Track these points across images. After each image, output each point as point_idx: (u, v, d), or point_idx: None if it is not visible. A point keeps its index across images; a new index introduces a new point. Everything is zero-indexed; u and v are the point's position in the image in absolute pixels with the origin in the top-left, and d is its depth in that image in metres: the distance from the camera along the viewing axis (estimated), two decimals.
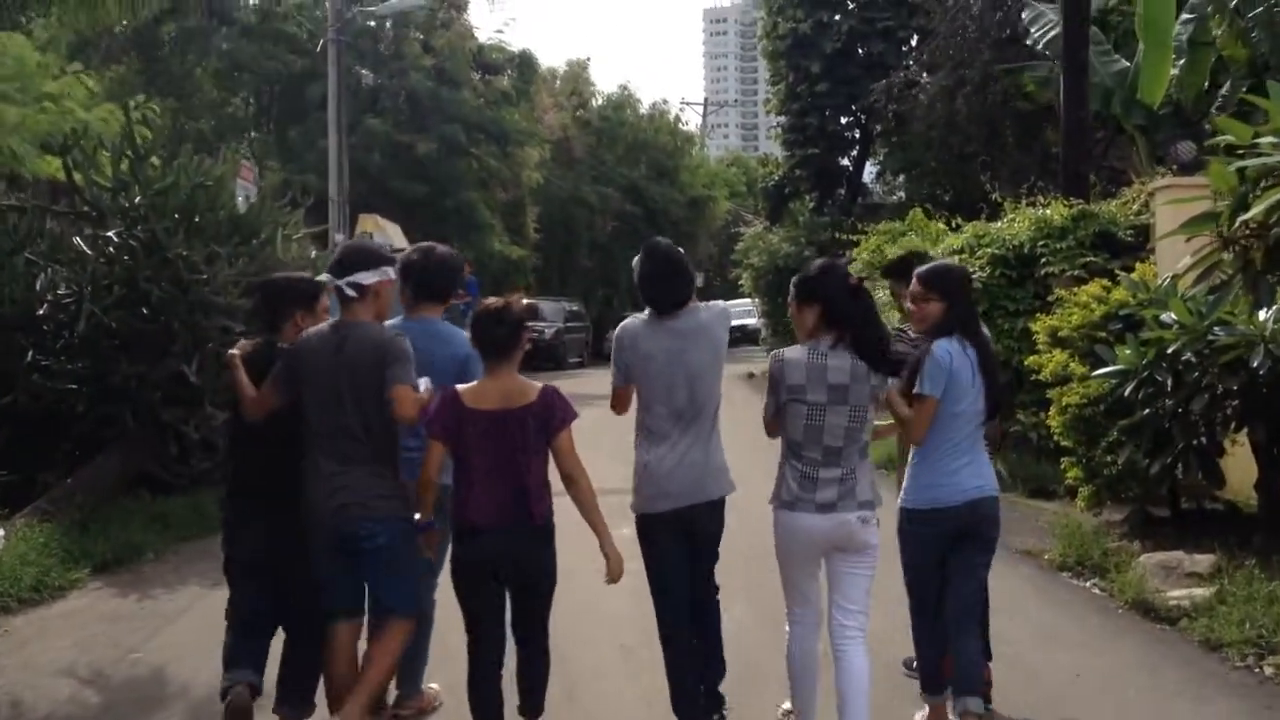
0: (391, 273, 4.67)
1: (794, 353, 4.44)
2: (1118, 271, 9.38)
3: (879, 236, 18.20)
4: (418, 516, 4.47)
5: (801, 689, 4.53)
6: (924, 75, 23.25)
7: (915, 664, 5.34)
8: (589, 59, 37.29)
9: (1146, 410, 7.55)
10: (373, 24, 24.85)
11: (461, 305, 15.83)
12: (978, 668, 4.78)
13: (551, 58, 75.87)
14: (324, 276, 4.61)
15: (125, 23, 23.04)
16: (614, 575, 4.45)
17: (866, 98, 25.27)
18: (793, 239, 28.93)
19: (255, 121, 25.15)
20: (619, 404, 4.82)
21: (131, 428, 9.67)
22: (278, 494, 4.58)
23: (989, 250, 11.90)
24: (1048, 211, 11.94)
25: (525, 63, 28.23)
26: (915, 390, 4.56)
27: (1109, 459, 8.01)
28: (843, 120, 29.92)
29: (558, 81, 34.85)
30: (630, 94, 38.68)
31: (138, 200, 9.65)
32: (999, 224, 12.65)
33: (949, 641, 4.72)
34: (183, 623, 7.00)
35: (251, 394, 4.59)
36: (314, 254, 11.77)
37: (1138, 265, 9.38)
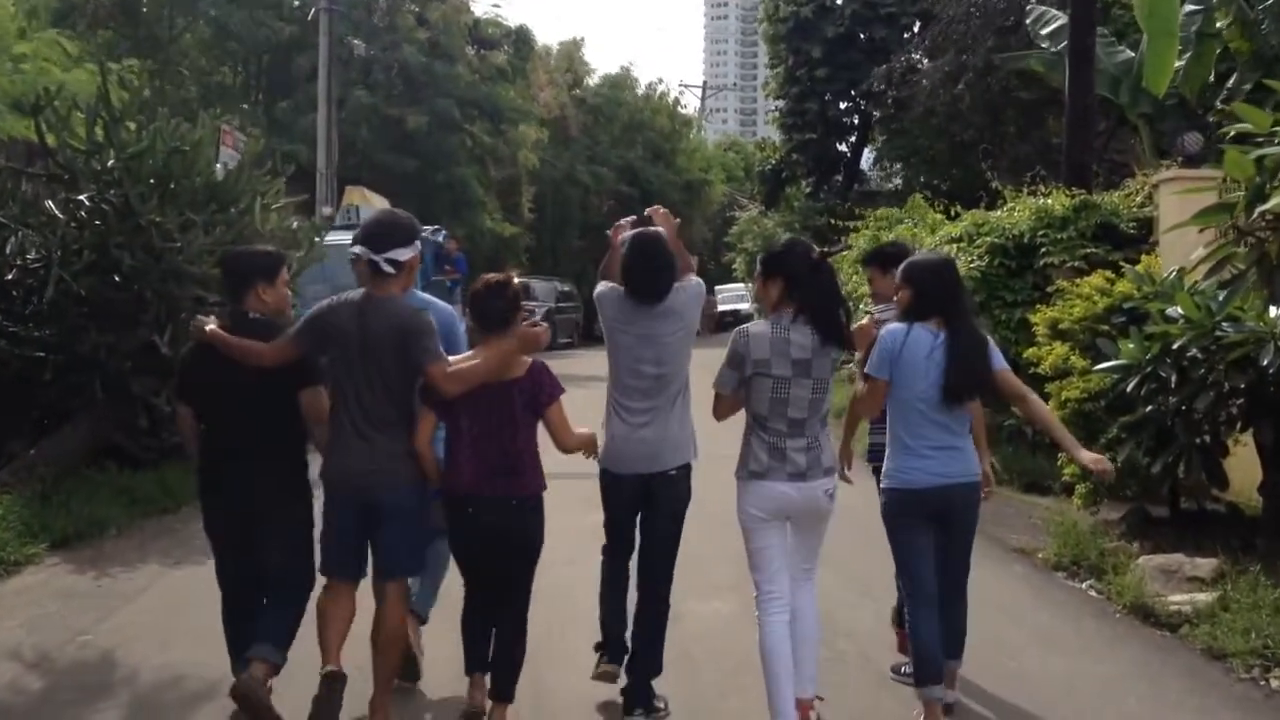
0: (420, 245, 4.73)
1: (758, 328, 4.59)
2: (1122, 264, 9.09)
3: (876, 223, 18.03)
4: None
5: (775, 677, 4.51)
6: (925, 62, 22.97)
7: (904, 668, 5.23)
8: (583, 38, 36.59)
9: (1149, 407, 7.29)
10: None
11: (449, 282, 15.63)
12: (963, 635, 4.88)
13: (549, 37, 75.19)
14: (356, 249, 4.55)
15: None
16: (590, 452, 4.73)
17: (867, 83, 24.99)
18: (787, 224, 28.76)
19: (244, 92, 24.62)
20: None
21: (100, 398, 9.35)
22: (251, 457, 4.65)
23: (988, 239, 11.71)
24: (1049, 201, 11.74)
25: (522, 38, 27.66)
26: (864, 371, 4.78)
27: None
28: (842, 105, 29.66)
29: (552, 59, 34.29)
30: (628, 74, 38.28)
31: (111, 164, 9.26)
32: (998, 213, 12.41)
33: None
34: (139, 603, 6.69)
35: (259, 348, 4.59)
36: (295, 225, 11.40)
37: (1143, 258, 9.09)
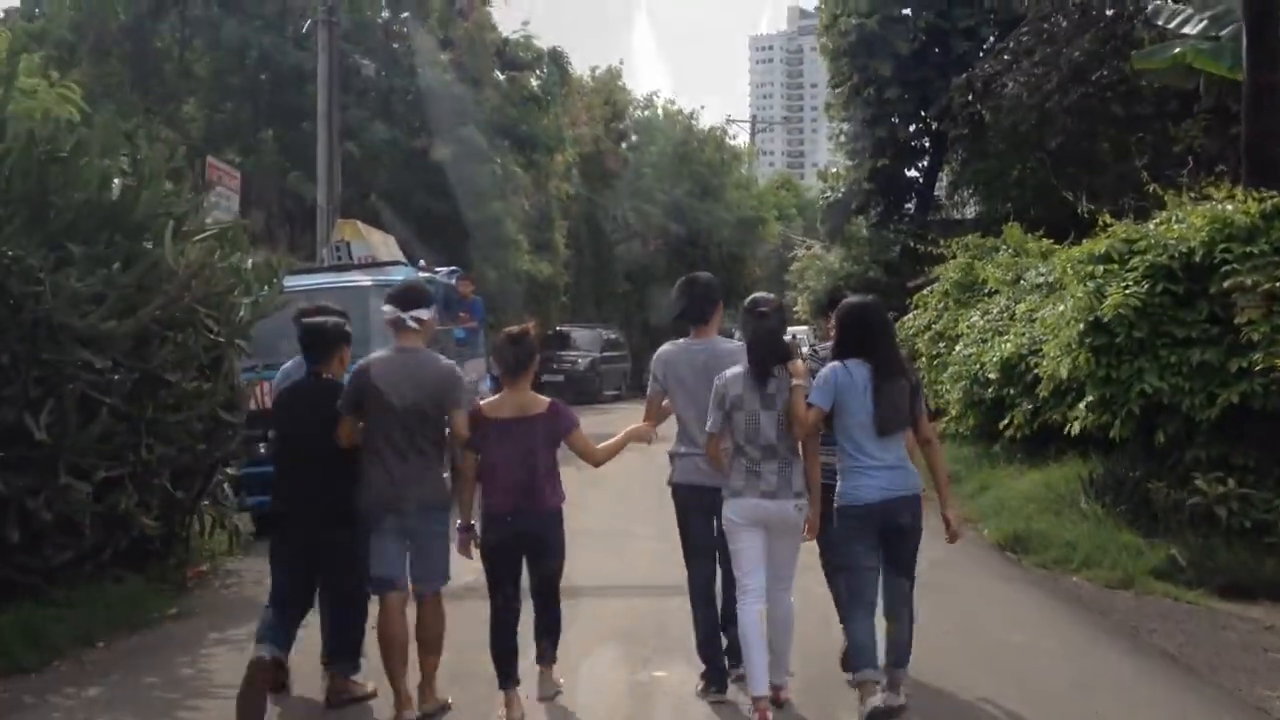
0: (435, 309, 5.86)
1: (734, 371, 5.59)
2: None
3: (969, 253, 16.24)
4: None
5: (752, 652, 5.39)
6: (1010, 71, 20.24)
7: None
8: (621, 63, 34.98)
9: None
10: (385, 15, 22.08)
11: (462, 331, 13.07)
12: (909, 644, 5.52)
13: (583, 65, 74.43)
14: (386, 308, 5.64)
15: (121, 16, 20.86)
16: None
17: (944, 98, 22.44)
18: (855, 257, 26.42)
19: (253, 125, 22.29)
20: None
21: None
22: (320, 505, 5.61)
23: (1146, 259, 9.16)
24: (1228, 207, 9.15)
25: (555, 61, 25.27)
26: (806, 399, 5.49)
27: None
28: (912, 128, 27.07)
29: (587, 90, 31.93)
30: (670, 104, 36.27)
31: None
32: (1153, 224, 9.79)
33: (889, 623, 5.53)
34: None
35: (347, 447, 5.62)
36: (250, 263, 8.74)
37: None
